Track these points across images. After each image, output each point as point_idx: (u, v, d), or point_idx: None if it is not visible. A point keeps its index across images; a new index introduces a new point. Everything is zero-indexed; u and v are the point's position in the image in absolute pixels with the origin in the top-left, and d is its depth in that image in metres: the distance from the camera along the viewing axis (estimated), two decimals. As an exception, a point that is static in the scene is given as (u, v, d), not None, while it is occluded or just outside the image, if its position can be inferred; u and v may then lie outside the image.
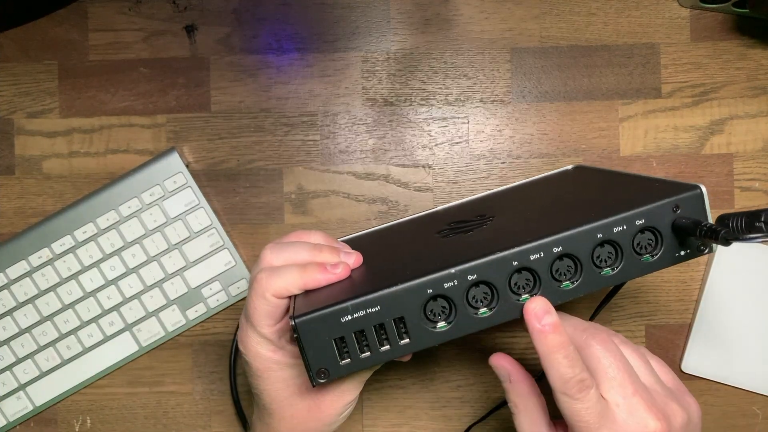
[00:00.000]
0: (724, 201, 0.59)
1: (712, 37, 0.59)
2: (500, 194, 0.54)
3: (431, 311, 0.37)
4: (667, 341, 0.59)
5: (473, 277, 0.37)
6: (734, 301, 0.58)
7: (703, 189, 0.38)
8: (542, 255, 0.37)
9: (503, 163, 0.59)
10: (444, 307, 0.37)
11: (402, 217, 0.58)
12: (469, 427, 0.57)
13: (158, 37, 0.59)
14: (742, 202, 0.59)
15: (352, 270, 0.41)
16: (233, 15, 0.59)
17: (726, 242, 0.35)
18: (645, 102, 0.59)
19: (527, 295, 0.38)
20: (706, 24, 0.59)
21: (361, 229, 0.59)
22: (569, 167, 0.56)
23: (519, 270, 0.37)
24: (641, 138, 0.59)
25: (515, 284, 0.37)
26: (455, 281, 0.36)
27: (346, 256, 0.42)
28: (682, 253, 0.39)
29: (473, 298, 0.37)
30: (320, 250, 0.42)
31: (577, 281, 0.38)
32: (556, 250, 0.37)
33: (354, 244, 0.46)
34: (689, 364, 0.58)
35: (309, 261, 0.41)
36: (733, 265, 0.57)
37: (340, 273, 0.40)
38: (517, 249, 0.37)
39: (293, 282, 0.40)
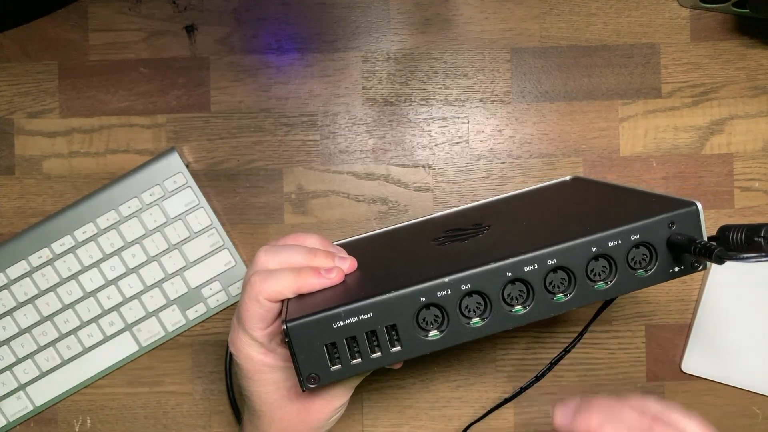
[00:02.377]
0: (724, 201, 0.59)
1: (712, 37, 0.59)
2: (497, 203, 0.54)
3: (424, 320, 0.37)
4: (667, 341, 0.59)
5: (467, 287, 0.37)
6: (734, 301, 0.58)
7: (699, 206, 0.38)
8: (536, 267, 0.37)
9: (503, 163, 0.59)
10: (437, 316, 0.37)
11: (400, 220, 0.58)
12: (468, 426, 0.58)
13: (158, 37, 0.59)
14: (742, 202, 0.59)
15: (347, 275, 0.41)
16: (233, 15, 0.59)
17: (720, 261, 0.35)
18: (645, 102, 0.59)
19: (520, 306, 0.38)
20: (706, 24, 0.59)
21: (361, 229, 0.59)
22: (567, 178, 0.56)
23: (513, 281, 0.37)
24: (641, 138, 0.59)
25: (509, 295, 0.37)
26: (448, 290, 0.36)
27: (340, 261, 0.42)
28: (677, 269, 0.39)
29: (466, 307, 0.37)
30: (315, 254, 0.42)
31: (570, 294, 0.38)
32: (550, 262, 0.37)
33: (350, 248, 0.46)
34: (689, 364, 0.58)
35: (303, 265, 0.41)
36: (734, 265, 0.57)
37: (334, 278, 0.40)
38: (511, 260, 0.37)
39: (287, 286, 0.39)
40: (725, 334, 0.58)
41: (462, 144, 0.59)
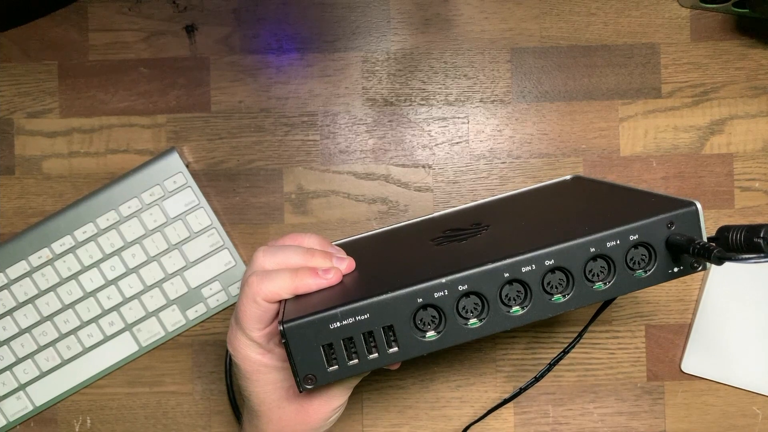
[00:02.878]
0: (724, 201, 0.59)
1: (712, 37, 0.59)
2: (497, 202, 0.54)
3: (421, 320, 0.37)
4: (667, 341, 0.59)
5: (464, 288, 0.36)
6: (734, 301, 0.58)
7: (699, 206, 0.38)
8: (534, 267, 0.37)
9: (503, 163, 0.59)
10: (434, 317, 0.37)
11: (400, 220, 0.57)
12: (468, 426, 0.58)
13: (158, 37, 0.59)
14: (742, 202, 0.59)
15: (345, 275, 0.41)
16: (233, 15, 0.59)
17: (719, 261, 0.34)
18: (645, 102, 0.59)
19: (518, 307, 0.37)
20: (706, 24, 0.59)
21: (361, 229, 0.59)
22: (568, 177, 0.56)
23: (510, 282, 0.37)
24: (641, 138, 0.59)
25: (506, 296, 0.37)
26: (446, 291, 0.36)
27: (338, 262, 0.42)
28: (676, 269, 0.38)
29: (463, 308, 0.37)
30: (313, 255, 0.42)
31: (568, 295, 0.38)
32: (548, 262, 0.37)
33: (348, 248, 0.46)
34: (689, 364, 0.58)
35: (301, 265, 0.41)
36: (734, 265, 0.57)
37: (331, 278, 0.40)
38: (508, 260, 0.37)
39: (284, 286, 0.39)
40: (725, 334, 0.58)
41: (462, 144, 0.59)
